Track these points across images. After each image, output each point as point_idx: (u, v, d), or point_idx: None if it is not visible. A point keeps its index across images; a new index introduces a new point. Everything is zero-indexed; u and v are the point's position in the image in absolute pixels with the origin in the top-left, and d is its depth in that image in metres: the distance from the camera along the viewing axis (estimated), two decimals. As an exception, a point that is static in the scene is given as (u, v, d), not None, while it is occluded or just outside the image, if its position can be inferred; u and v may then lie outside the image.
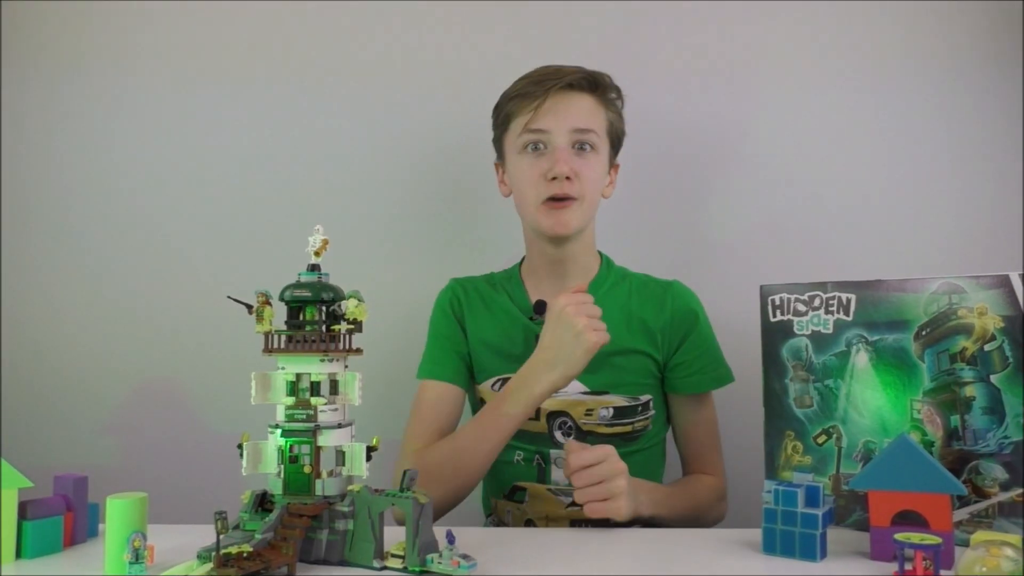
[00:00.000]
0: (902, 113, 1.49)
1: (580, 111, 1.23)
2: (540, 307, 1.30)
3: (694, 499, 1.23)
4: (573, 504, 1.24)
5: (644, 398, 1.28)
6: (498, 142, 1.32)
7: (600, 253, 1.35)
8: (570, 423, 1.26)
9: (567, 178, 1.19)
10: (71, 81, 1.55)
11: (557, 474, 1.27)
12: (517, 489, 1.30)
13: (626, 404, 1.27)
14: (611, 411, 1.25)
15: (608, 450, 1.06)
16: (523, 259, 1.37)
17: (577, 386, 1.26)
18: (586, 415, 1.25)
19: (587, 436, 1.25)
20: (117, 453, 1.53)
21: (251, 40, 1.55)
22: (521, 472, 1.29)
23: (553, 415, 1.26)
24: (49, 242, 1.54)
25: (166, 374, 1.52)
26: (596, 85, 1.25)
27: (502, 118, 1.28)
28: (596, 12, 1.52)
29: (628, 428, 1.27)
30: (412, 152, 1.55)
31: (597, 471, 1.05)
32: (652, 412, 1.29)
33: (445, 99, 1.52)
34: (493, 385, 1.31)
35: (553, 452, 1.27)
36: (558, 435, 1.27)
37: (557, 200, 1.21)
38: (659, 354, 1.28)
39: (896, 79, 1.48)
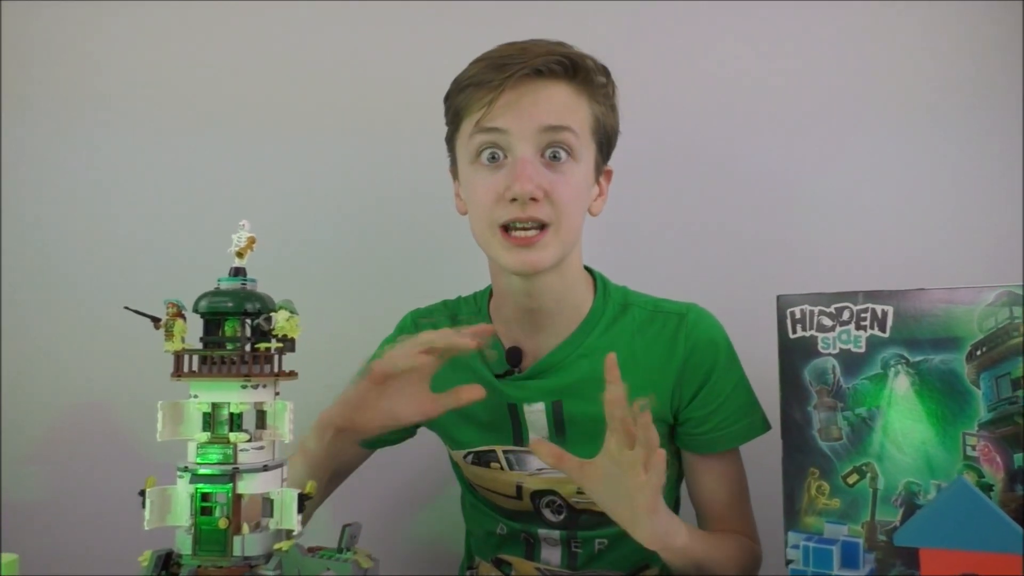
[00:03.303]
0: (924, 117, 1.37)
1: (551, 104, 0.93)
2: (515, 356, 1.04)
3: (732, 558, 0.99)
4: None
5: None
6: (450, 143, 1.03)
7: (592, 273, 1.08)
8: (560, 501, 1.05)
9: (533, 199, 0.91)
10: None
11: (548, 553, 1.08)
12: (502, 561, 1.11)
13: None
14: None
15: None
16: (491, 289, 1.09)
17: None
18: (578, 493, 1.03)
19: (581, 515, 1.05)
20: (40, 487, 1.36)
21: (213, 64, 1.43)
22: (506, 545, 1.10)
23: (538, 494, 1.05)
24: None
25: (93, 399, 1.36)
26: (576, 69, 0.95)
27: (452, 113, 0.99)
28: (606, 19, 1.39)
29: None
30: (367, 149, 1.40)
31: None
32: None
33: (410, 96, 1.37)
34: (466, 456, 1.08)
35: (542, 531, 1.07)
36: (547, 513, 1.06)
37: (520, 230, 0.93)
38: (670, 407, 1.03)
39: (914, 86, 1.37)
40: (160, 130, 1.41)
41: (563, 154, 0.94)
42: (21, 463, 1.37)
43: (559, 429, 1.02)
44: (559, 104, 0.94)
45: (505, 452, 1.04)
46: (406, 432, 1.13)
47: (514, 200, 0.91)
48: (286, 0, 1.41)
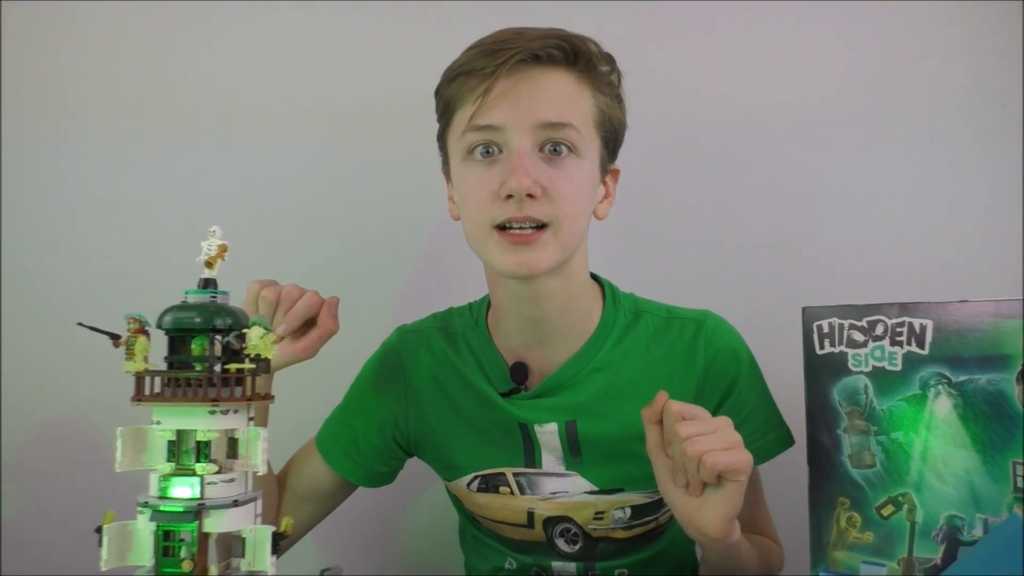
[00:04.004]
0: (951, 123, 1.29)
1: (550, 96, 0.85)
2: (520, 373, 0.95)
3: (765, 560, 0.93)
4: None
5: None
6: (441, 140, 0.94)
7: (599, 280, 1.00)
8: (575, 529, 0.96)
9: (530, 195, 0.83)
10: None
11: None
12: None
13: (647, 500, 0.95)
14: (628, 511, 0.95)
15: (721, 421, 0.79)
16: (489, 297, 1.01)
17: (582, 484, 0.94)
18: (595, 519, 0.95)
19: (598, 543, 0.96)
20: (14, 504, 1.29)
21: (187, 66, 1.35)
22: None
23: (551, 521, 0.96)
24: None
25: (65, 413, 1.28)
26: (577, 54, 0.86)
27: (442, 106, 0.91)
28: (626, 20, 1.31)
29: (652, 525, 0.97)
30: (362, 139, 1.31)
31: (705, 423, 0.78)
32: None
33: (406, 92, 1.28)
34: (470, 484, 0.98)
35: (556, 564, 0.98)
36: (560, 543, 0.97)
37: (517, 230, 0.84)
38: None
39: (941, 92, 1.30)
40: (125, 132, 1.33)
41: (564, 149, 0.85)
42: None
43: (574, 451, 0.94)
44: (559, 96, 0.85)
45: (516, 475, 0.96)
46: (394, 466, 1.04)
47: (510, 197, 0.83)
48: (272, 3, 1.34)
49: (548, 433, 0.94)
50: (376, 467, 1.01)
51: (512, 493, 0.96)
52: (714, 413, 0.92)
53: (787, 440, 0.96)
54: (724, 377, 0.94)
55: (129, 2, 1.34)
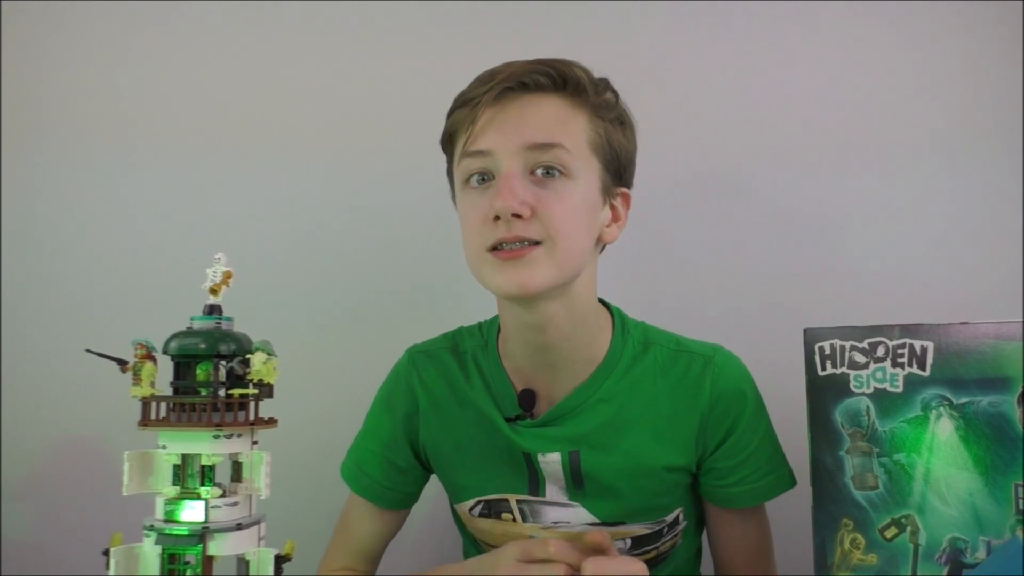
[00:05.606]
0: (960, 147, 1.28)
1: (538, 119, 0.84)
2: (528, 400, 0.94)
3: None
4: None
5: (672, 515, 0.95)
6: (449, 174, 0.94)
7: (608, 307, 0.98)
8: None
9: (518, 216, 0.82)
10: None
11: None
12: None
13: (648, 532, 0.95)
14: (629, 542, 0.94)
15: (637, 571, 0.79)
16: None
17: (584, 515, 0.92)
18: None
19: None
20: (33, 525, 1.30)
21: (192, 87, 1.35)
22: None
23: None
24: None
25: (71, 434, 1.29)
26: (565, 80, 0.86)
27: (445, 138, 0.92)
28: (635, 39, 1.31)
29: (652, 554, 0.96)
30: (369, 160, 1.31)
31: None
32: (683, 524, 0.98)
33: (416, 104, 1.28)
34: (472, 509, 0.97)
35: None
36: None
37: (508, 248, 0.83)
38: (694, 457, 0.94)
39: (948, 116, 1.29)
40: (130, 156, 1.32)
41: (556, 171, 0.84)
42: (8, 500, 1.30)
43: (577, 482, 0.93)
44: (547, 119, 0.85)
45: (519, 502, 0.95)
46: (417, 492, 1.05)
47: (498, 219, 0.82)
48: (286, 6, 1.35)
49: (551, 463, 0.93)
50: (404, 488, 1.01)
51: (514, 520, 0.95)
52: (715, 451, 0.93)
53: (787, 482, 0.95)
54: (728, 416, 0.93)
55: (136, 4, 1.33)
